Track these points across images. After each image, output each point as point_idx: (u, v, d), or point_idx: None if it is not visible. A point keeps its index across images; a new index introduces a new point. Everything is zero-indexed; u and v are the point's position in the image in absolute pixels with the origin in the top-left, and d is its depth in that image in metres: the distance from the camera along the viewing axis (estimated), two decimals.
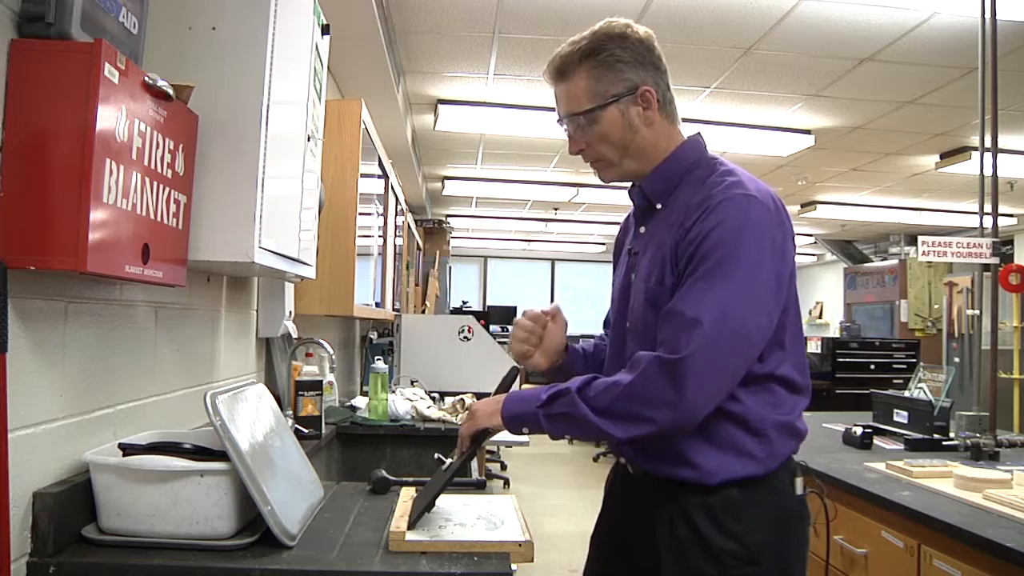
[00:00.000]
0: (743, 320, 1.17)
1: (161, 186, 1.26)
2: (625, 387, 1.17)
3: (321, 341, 2.45)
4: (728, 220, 1.19)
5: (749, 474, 1.24)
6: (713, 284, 1.17)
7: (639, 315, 1.31)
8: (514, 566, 1.20)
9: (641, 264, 1.34)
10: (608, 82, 1.29)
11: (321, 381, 2.38)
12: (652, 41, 1.32)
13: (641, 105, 1.30)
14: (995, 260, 2.80)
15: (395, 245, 4.38)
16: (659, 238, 1.30)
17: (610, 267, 1.55)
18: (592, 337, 1.62)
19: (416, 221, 7.12)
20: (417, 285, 6.95)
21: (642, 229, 1.38)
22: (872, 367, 6.33)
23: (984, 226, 2.84)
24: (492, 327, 8.43)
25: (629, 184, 1.41)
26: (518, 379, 1.49)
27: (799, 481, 1.30)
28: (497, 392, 1.37)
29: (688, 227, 1.22)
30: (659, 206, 1.34)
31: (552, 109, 1.38)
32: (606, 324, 1.55)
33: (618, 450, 1.39)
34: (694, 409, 1.16)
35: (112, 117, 1.09)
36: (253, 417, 1.41)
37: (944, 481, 1.94)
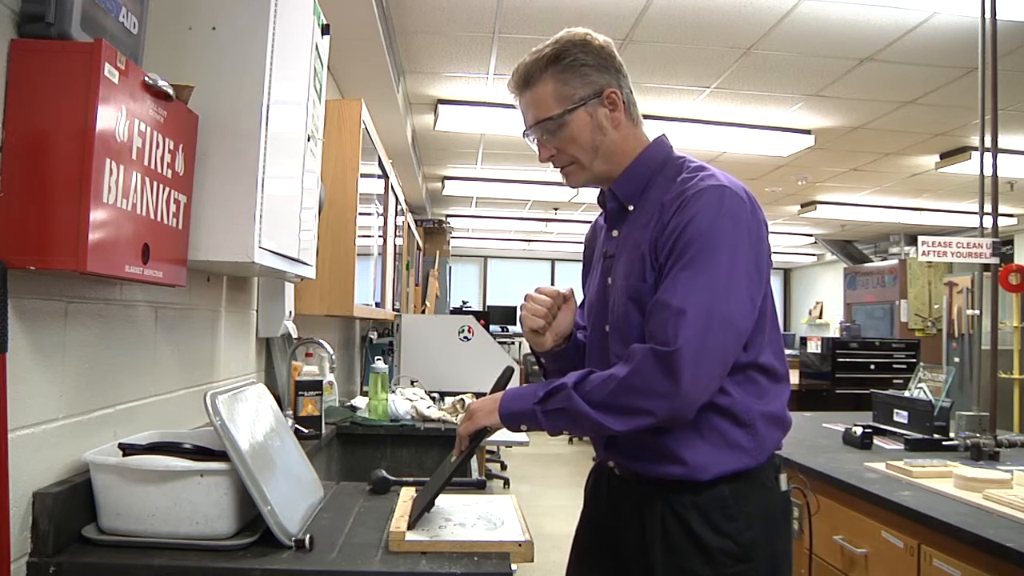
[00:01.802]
0: (729, 306, 1.19)
1: (161, 186, 1.26)
2: (621, 380, 1.18)
3: (321, 341, 2.45)
4: (704, 210, 1.21)
5: (740, 467, 1.26)
6: (696, 273, 1.19)
7: (621, 315, 1.31)
8: (514, 566, 1.20)
9: (618, 266, 1.35)
10: (575, 85, 1.31)
11: (321, 381, 2.38)
12: (612, 48, 1.35)
13: (607, 107, 1.32)
14: (995, 260, 2.79)
15: (395, 245, 4.38)
16: (635, 238, 1.31)
17: None
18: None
19: (416, 221, 7.12)
20: (417, 285, 6.95)
21: (615, 232, 1.39)
22: (872, 367, 6.32)
23: (984, 226, 2.84)
24: (492, 327, 8.42)
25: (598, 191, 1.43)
26: (515, 378, 1.49)
27: (783, 477, 1.33)
28: (493, 391, 1.37)
29: (665, 221, 1.24)
30: (631, 208, 1.36)
31: None
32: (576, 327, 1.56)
33: (605, 452, 1.38)
34: (691, 399, 1.18)
35: (112, 117, 1.09)
36: (253, 417, 1.41)
37: (944, 481, 1.94)
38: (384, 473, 1.64)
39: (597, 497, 1.45)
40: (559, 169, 1.39)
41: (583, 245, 1.59)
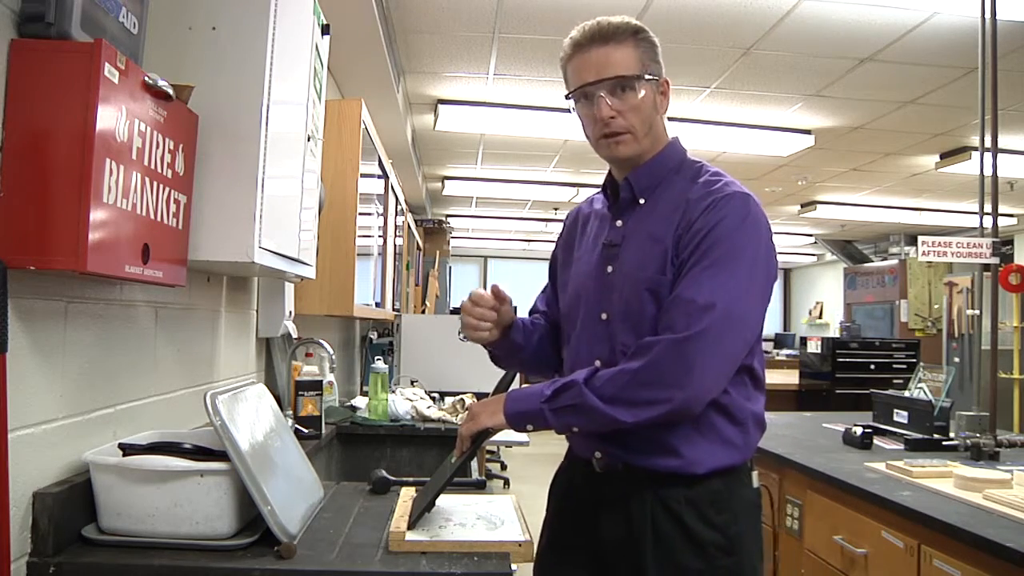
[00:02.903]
0: (747, 309, 1.25)
1: (161, 186, 1.26)
2: (634, 372, 1.20)
3: (321, 341, 2.45)
4: (733, 214, 1.25)
5: (731, 463, 1.30)
6: (720, 273, 1.22)
7: (631, 306, 1.31)
8: (514, 566, 1.20)
9: (626, 256, 1.35)
10: (651, 59, 1.34)
11: (321, 381, 2.38)
12: None
13: (661, 94, 1.36)
14: (995, 260, 2.79)
15: (395, 245, 4.38)
16: (650, 231, 1.33)
17: None
18: None
19: (416, 221, 7.12)
20: (417, 285, 6.94)
21: (619, 223, 1.39)
22: (872, 367, 6.32)
23: (984, 226, 2.84)
24: None
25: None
26: (516, 379, 1.49)
27: (755, 475, 1.38)
28: (496, 392, 1.37)
29: (692, 220, 1.27)
30: (642, 201, 1.37)
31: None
32: (532, 311, 1.62)
33: (595, 444, 1.37)
34: (702, 390, 1.21)
35: (112, 117, 1.09)
36: (253, 417, 1.41)
37: (944, 481, 1.94)
38: (384, 473, 1.64)
39: (569, 494, 1.44)
40: (611, 137, 1.34)
41: (562, 230, 1.59)
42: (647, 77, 1.31)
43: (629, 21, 1.33)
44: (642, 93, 1.31)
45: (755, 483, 1.37)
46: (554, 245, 1.61)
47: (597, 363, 1.31)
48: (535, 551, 1.39)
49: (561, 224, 1.63)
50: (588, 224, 1.48)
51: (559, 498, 1.48)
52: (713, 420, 1.28)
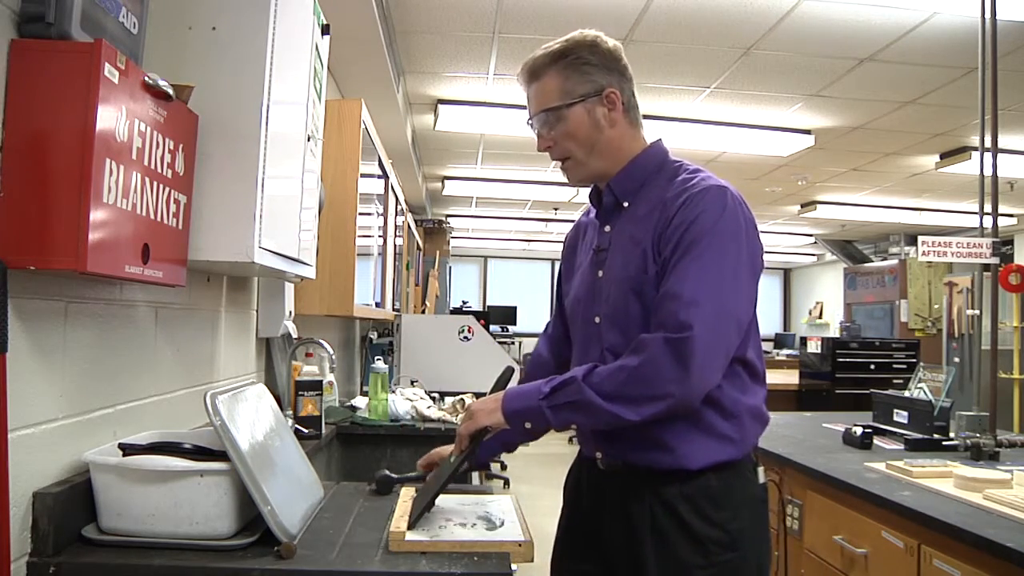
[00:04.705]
0: (735, 299, 1.26)
1: (161, 186, 1.26)
2: (633, 369, 1.21)
3: (321, 341, 2.45)
4: (710, 208, 1.26)
5: (727, 458, 1.30)
6: (704, 266, 1.23)
7: (617, 307, 1.33)
8: (514, 566, 1.20)
9: (612, 259, 1.37)
10: (576, 82, 1.35)
11: (321, 381, 2.38)
12: (620, 52, 1.39)
13: (606, 106, 1.36)
14: (995, 260, 2.80)
15: (395, 245, 4.38)
16: (632, 233, 1.35)
17: None
18: None
19: (416, 221, 7.12)
20: (417, 285, 6.94)
21: (607, 228, 1.42)
22: (872, 367, 6.32)
23: (984, 226, 2.84)
24: (492, 327, 8.42)
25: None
26: (515, 379, 1.49)
27: (760, 470, 1.38)
28: (493, 391, 1.38)
29: (669, 217, 1.28)
30: (626, 204, 1.39)
31: None
32: (546, 330, 1.62)
33: (594, 444, 1.39)
34: (700, 385, 1.22)
35: (112, 117, 1.09)
36: (253, 417, 1.41)
37: (944, 481, 1.94)
38: (388, 472, 1.63)
39: (579, 493, 1.46)
40: (559, 164, 1.42)
41: (563, 245, 1.61)
42: (572, 101, 1.33)
43: (552, 49, 1.35)
44: (571, 120, 1.34)
45: (761, 479, 1.36)
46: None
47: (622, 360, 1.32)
48: (535, 550, 1.40)
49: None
50: (586, 233, 1.51)
51: (569, 495, 1.50)
52: (705, 414, 1.28)
